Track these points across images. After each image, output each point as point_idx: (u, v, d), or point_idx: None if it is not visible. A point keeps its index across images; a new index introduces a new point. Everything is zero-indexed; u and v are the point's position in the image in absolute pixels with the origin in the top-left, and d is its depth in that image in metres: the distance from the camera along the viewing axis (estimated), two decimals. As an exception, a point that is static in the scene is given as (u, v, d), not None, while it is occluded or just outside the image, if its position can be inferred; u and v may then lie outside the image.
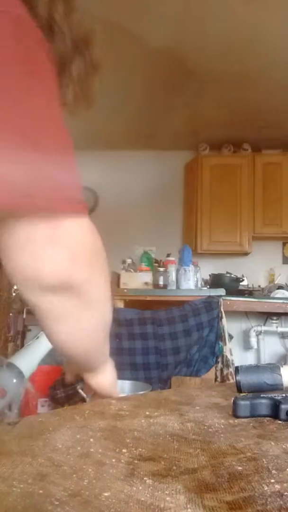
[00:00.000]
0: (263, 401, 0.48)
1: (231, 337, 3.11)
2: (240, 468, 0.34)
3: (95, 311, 0.50)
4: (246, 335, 3.71)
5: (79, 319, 0.49)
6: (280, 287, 3.43)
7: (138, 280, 2.57)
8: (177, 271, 2.62)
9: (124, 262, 2.73)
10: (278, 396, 0.49)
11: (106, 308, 0.51)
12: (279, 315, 3.49)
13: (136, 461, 0.35)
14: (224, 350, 2.17)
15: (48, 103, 0.42)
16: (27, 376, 0.81)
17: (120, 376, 2.25)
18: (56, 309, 0.46)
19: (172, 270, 2.65)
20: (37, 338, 0.87)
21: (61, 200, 0.42)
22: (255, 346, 3.63)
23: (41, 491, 0.29)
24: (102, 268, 0.48)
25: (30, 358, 0.85)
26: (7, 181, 0.38)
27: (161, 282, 2.60)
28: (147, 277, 2.57)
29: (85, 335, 0.51)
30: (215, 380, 2.11)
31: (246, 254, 3.94)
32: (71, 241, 0.44)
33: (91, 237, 0.46)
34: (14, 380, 0.79)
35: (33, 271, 0.43)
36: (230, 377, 2.08)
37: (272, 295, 3.26)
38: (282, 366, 0.57)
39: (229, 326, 2.87)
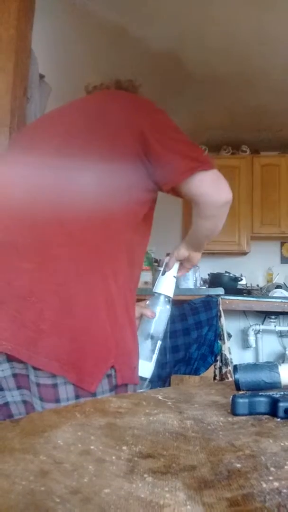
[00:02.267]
0: (262, 399, 0.49)
1: (229, 335, 3.12)
2: (239, 465, 0.34)
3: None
4: (244, 334, 3.71)
5: (224, 217, 0.95)
6: (278, 287, 3.44)
7: (137, 280, 2.56)
8: (176, 270, 2.63)
9: (123, 261, 2.72)
10: (276, 394, 0.50)
11: None
12: (277, 314, 3.50)
13: (136, 459, 0.35)
14: (223, 349, 2.17)
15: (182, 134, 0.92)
16: (171, 296, 1.07)
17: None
18: (221, 213, 0.93)
19: (171, 269, 2.65)
20: (163, 274, 1.10)
21: (211, 163, 0.87)
22: (254, 345, 3.64)
23: (42, 488, 0.29)
24: None
25: (168, 285, 1.07)
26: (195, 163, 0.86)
27: (160, 282, 2.60)
28: (147, 276, 2.57)
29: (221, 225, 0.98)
30: (214, 378, 2.12)
31: (244, 253, 3.95)
32: (222, 179, 0.89)
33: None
34: (159, 307, 1.04)
35: (218, 194, 0.88)
36: (228, 375, 2.09)
37: (270, 294, 3.27)
38: (280, 365, 0.57)
39: (228, 325, 2.87)
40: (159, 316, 1.04)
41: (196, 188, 0.87)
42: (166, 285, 1.06)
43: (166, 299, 1.06)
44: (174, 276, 1.08)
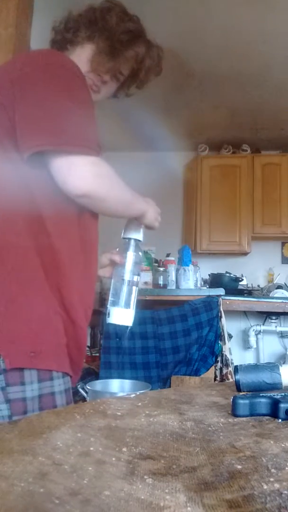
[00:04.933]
0: (262, 400, 0.48)
1: (230, 336, 3.12)
2: (239, 466, 0.34)
3: (118, 205, 0.90)
4: (245, 335, 3.71)
5: (109, 208, 0.87)
6: (279, 287, 3.44)
7: (137, 280, 2.56)
8: (177, 271, 2.62)
9: (123, 262, 2.72)
10: (277, 395, 0.49)
11: (125, 202, 0.92)
12: (278, 314, 3.49)
13: (136, 460, 0.35)
14: (223, 350, 2.17)
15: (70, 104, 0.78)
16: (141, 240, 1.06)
17: (120, 376, 2.26)
18: (89, 206, 0.85)
19: (171, 270, 2.64)
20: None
21: (75, 146, 0.75)
22: (254, 346, 3.63)
23: (41, 490, 0.29)
24: (110, 182, 0.84)
25: (136, 228, 1.05)
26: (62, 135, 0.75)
27: (160, 282, 2.60)
28: (147, 277, 2.56)
29: (115, 212, 0.92)
30: (215, 379, 2.12)
31: (245, 254, 3.94)
32: (75, 169, 0.76)
33: (98, 167, 0.80)
34: (130, 252, 1.03)
35: (65, 187, 0.77)
36: (229, 376, 2.09)
37: (271, 294, 3.26)
38: (281, 365, 0.57)
39: (229, 325, 2.86)
40: (131, 261, 1.02)
41: (50, 169, 0.77)
42: (133, 229, 1.04)
43: (136, 243, 1.04)
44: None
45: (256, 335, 3.61)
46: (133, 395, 0.59)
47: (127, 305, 1.00)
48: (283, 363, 0.66)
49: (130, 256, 1.02)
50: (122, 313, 0.99)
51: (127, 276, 1.01)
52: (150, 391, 0.62)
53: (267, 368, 0.56)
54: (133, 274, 1.02)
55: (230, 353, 2.24)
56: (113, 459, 0.35)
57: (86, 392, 1.77)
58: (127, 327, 1.00)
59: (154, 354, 2.18)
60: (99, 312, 3.58)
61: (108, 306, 1.01)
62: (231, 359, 2.21)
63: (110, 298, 1.02)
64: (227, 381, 2.06)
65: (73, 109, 0.77)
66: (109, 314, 1.00)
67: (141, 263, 1.06)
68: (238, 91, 3.13)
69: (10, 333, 0.77)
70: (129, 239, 1.04)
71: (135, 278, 1.02)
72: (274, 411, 0.47)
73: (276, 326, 3.56)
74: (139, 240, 1.05)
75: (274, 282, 3.81)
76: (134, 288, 1.02)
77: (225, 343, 2.20)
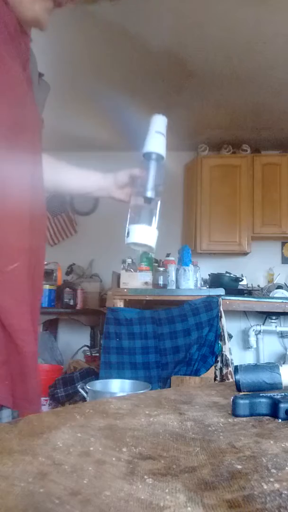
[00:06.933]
0: (262, 400, 0.48)
1: (230, 336, 3.12)
2: (239, 466, 0.34)
3: None
4: (245, 335, 3.71)
5: None
6: (279, 287, 3.44)
7: (138, 280, 2.57)
8: (177, 271, 2.62)
9: (124, 262, 2.73)
10: (277, 395, 0.49)
11: None
12: (278, 314, 3.50)
13: (136, 460, 0.35)
14: (223, 350, 2.17)
15: None
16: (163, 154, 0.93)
17: (120, 376, 2.27)
18: None
19: (171, 270, 2.64)
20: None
21: None
22: (254, 346, 3.63)
23: (41, 490, 0.29)
24: None
25: (157, 142, 0.95)
26: None
27: (160, 282, 2.60)
28: (147, 277, 2.57)
29: None
30: (215, 379, 2.12)
31: (245, 254, 3.94)
32: None
33: None
34: (150, 167, 0.92)
35: None
36: (229, 376, 2.09)
37: (271, 294, 3.26)
38: (281, 365, 0.57)
39: (229, 325, 2.87)
40: (152, 176, 0.91)
41: None
42: (156, 143, 0.94)
43: (156, 157, 0.93)
44: (161, 133, 0.96)
45: (256, 335, 3.61)
46: (133, 395, 0.59)
47: (150, 223, 0.88)
48: (283, 363, 0.66)
49: (152, 172, 0.90)
50: (145, 230, 0.87)
51: (149, 193, 0.89)
52: (150, 391, 0.62)
53: (267, 368, 0.56)
54: (154, 190, 0.90)
55: (230, 353, 2.24)
56: (113, 459, 0.35)
57: (86, 392, 1.77)
58: (151, 247, 0.88)
59: (154, 354, 2.18)
60: (99, 312, 3.58)
61: (127, 226, 0.88)
62: (231, 359, 2.21)
63: (130, 217, 0.90)
64: (227, 381, 2.06)
65: None
66: (128, 233, 0.87)
67: (162, 178, 0.92)
68: (238, 91, 3.13)
69: None
70: (151, 153, 0.92)
71: (157, 199, 0.90)
72: (274, 411, 0.47)
73: (276, 326, 3.57)
74: (162, 157, 0.93)
75: (274, 282, 3.81)
76: (156, 209, 0.90)
77: (225, 343, 2.20)
